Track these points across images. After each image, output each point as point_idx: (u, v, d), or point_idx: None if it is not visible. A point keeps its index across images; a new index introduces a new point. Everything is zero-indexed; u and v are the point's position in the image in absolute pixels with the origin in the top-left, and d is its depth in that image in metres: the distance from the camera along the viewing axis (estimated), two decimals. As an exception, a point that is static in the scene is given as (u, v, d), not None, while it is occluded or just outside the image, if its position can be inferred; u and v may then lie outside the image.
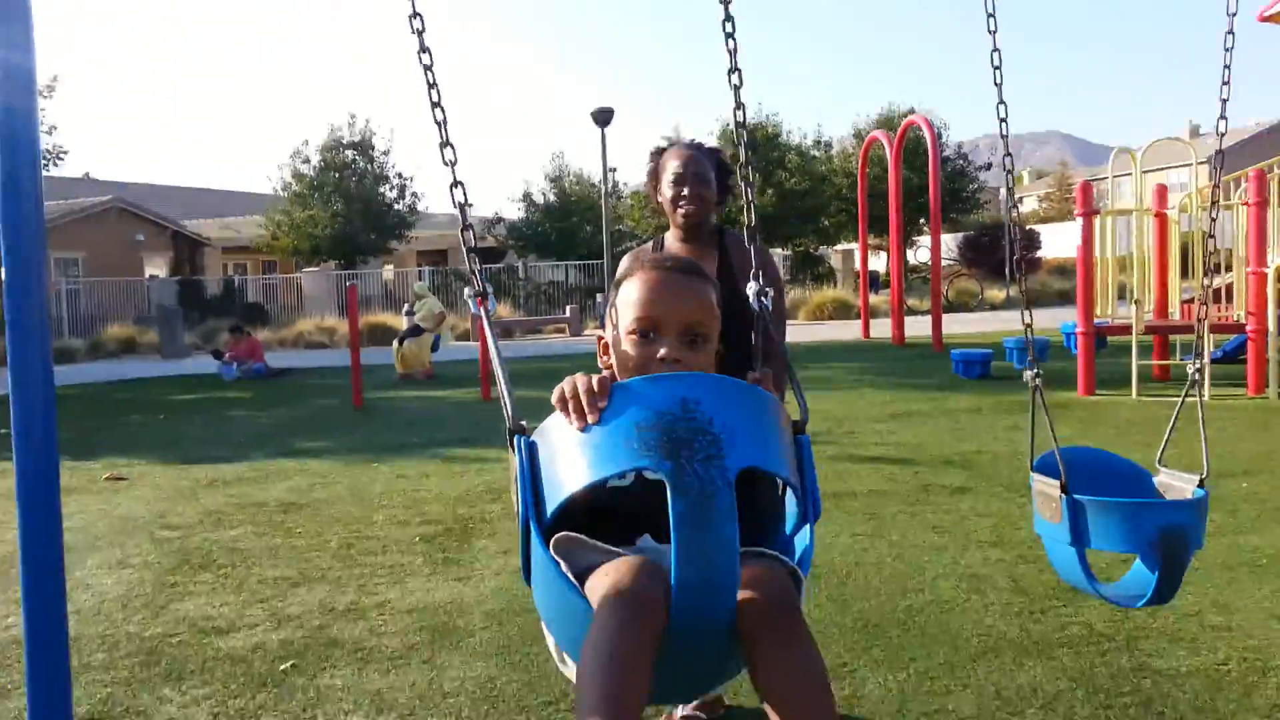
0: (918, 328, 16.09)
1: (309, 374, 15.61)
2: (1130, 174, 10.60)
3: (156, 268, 32.12)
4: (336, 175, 29.44)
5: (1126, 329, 9.41)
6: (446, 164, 1.85)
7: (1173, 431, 2.57)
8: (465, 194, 1.85)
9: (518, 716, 3.14)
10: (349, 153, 29.76)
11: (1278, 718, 2.92)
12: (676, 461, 1.27)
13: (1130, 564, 2.47)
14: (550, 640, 1.57)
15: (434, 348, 14.45)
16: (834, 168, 31.29)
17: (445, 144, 1.86)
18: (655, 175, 3.06)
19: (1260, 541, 4.63)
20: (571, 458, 1.36)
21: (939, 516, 5.30)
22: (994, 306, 25.12)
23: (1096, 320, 9.68)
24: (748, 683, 3.34)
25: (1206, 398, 8.55)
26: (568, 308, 24.11)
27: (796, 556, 1.54)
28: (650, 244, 3.09)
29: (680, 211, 2.95)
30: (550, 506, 1.37)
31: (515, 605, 4.15)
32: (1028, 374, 2.47)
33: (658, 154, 3.09)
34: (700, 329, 1.63)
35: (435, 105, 1.85)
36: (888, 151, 16.45)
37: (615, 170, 31.52)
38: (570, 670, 1.45)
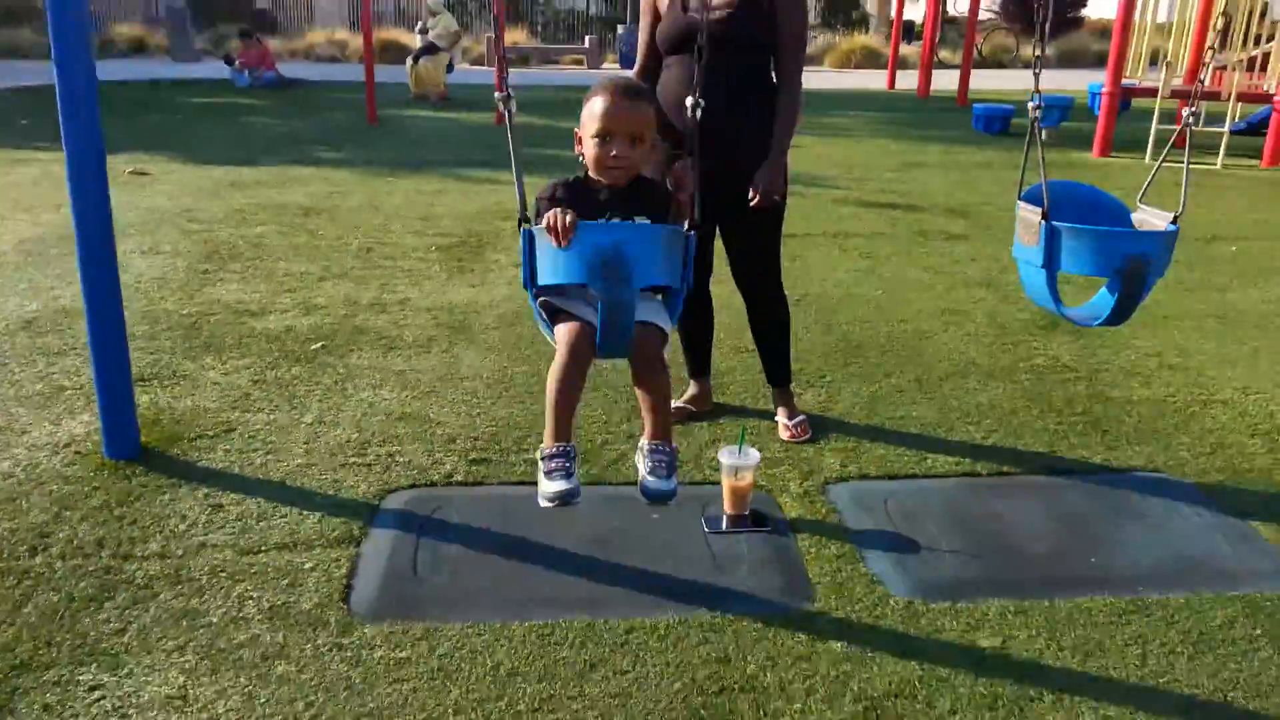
0: (947, 82, 15.65)
1: (321, 87, 15.36)
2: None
3: (158, -35, 30.57)
4: None
5: (1152, 92, 9.25)
6: None
7: (1156, 174, 2.70)
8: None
9: (525, 399, 3.50)
10: None
11: (1208, 440, 3.27)
12: (605, 281, 1.99)
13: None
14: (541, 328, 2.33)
15: (448, 69, 14.13)
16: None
17: None
18: None
19: (1234, 298, 4.88)
20: (550, 263, 2.07)
21: (932, 259, 5.53)
22: (1028, 64, 24.20)
23: (1124, 81, 9.48)
24: (734, 387, 3.64)
25: (1220, 165, 8.59)
26: (586, 39, 23.18)
27: (680, 298, 2.21)
28: None
29: None
30: (540, 281, 2.09)
31: (525, 311, 4.45)
32: (1030, 106, 2.58)
33: None
34: (638, 134, 2.20)
35: None
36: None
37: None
38: (549, 336, 2.28)
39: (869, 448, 3.16)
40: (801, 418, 3.27)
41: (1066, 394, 3.62)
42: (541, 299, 2.23)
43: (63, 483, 2.84)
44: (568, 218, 2.00)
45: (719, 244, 3.20)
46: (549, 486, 2.13)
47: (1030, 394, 3.62)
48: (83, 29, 2.76)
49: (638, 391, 2.24)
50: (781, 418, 3.29)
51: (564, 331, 2.18)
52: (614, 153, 2.17)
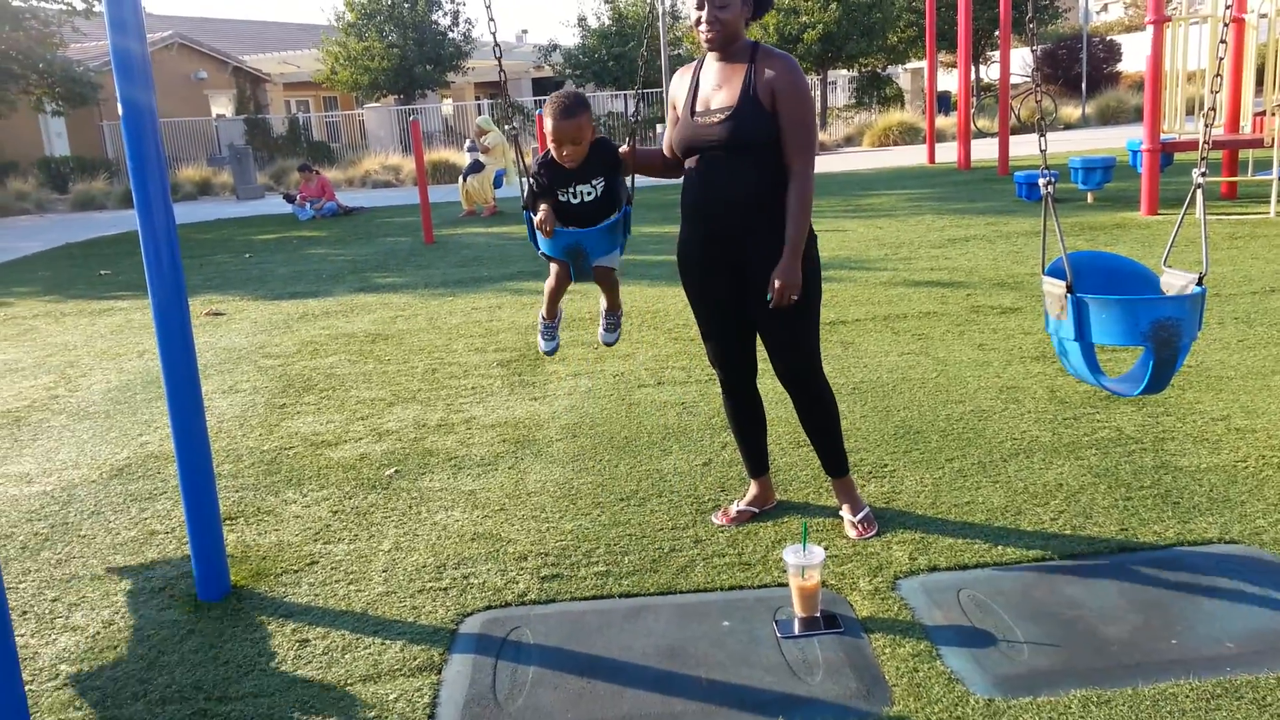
0: (987, 151, 15.77)
1: (378, 213, 16.00)
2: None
3: (220, 106, 32.40)
4: (389, 2, 28.98)
5: (1192, 145, 9.22)
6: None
7: (1177, 233, 2.75)
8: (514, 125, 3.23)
9: (593, 509, 3.58)
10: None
11: (1282, 507, 3.21)
12: (575, 262, 3.17)
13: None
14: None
15: (497, 184, 14.64)
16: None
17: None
18: None
19: (1299, 353, 4.80)
20: (541, 239, 3.14)
21: (985, 335, 5.55)
22: (1068, 126, 24.23)
23: (1163, 136, 9.48)
24: (795, 483, 3.64)
25: (1273, 213, 8.47)
26: (627, 140, 23.82)
27: (621, 246, 3.25)
28: (695, 62, 3.20)
29: (702, 36, 2.99)
30: (538, 247, 3.19)
31: (586, 421, 4.57)
32: (1041, 182, 2.67)
33: None
34: (576, 138, 3.04)
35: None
36: (958, -41, 15.62)
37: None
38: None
39: (937, 538, 3.16)
40: (865, 511, 3.29)
41: (1134, 467, 3.59)
42: (540, 252, 3.27)
43: (159, 627, 2.97)
44: (548, 226, 3.05)
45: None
46: (541, 344, 3.52)
47: (1096, 470, 3.59)
48: (163, 190, 2.99)
49: (601, 289, 3.39)
50: (846, 514, 3.30)
51: (553, 268, 3.28)
52: (564, 152, 3.06)
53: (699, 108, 3.04)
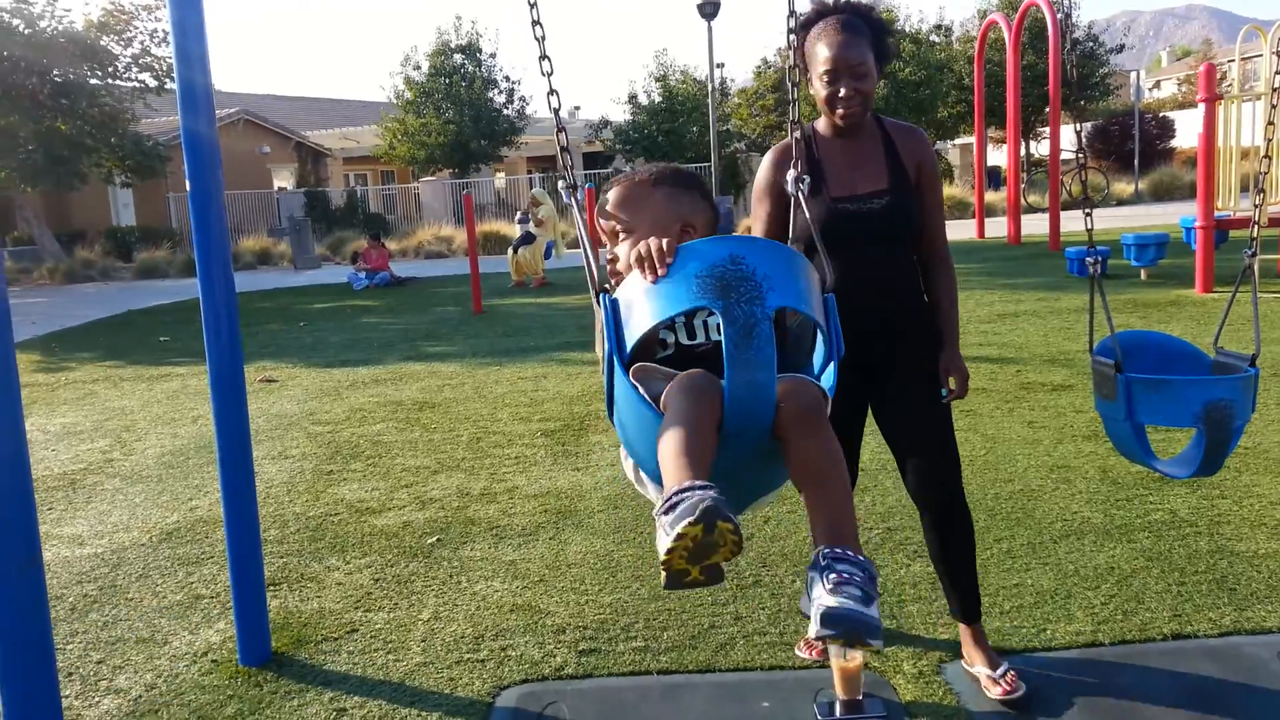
0: (1038, 226, 15.71)
1: (430, 283, 16.30)
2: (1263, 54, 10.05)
3: (282, 180, 33.49)
4: (446, 81, 29.91)
5: (1245, 223, 9.10)
6: (544, 75, 2.11)
7: (1228, 312, 2.73)
8: (559, 101, 2.10)
9: (633, 583, 3.55)
10: (457, 57, 30.14)
11: (1347, 596, 3.09)
12: (727, 300, 1.62)
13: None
14: (628, 465, 1.90)
15: (546, 254, 14.87)
16: (954, 54, 30.06)
17: (544, 56, 2.11)
18: (804, 58, 2.57)
19: (1362, 435, 4.66)
20: (646, 303, 1.70)
21: (1036, 413, 5.47)
22: (1121, 201, 24.08)
23: (1217, 213, 9.38)
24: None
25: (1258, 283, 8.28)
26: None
27: (834, 365, 1.87)
28: (799, 133, 2.28)
29: (839, 115, 2.53)
30: (630, 343, 1.72)
31: (629, 492, 4.56)
32: (1088, 260, 2.66)
33: (804, 29, 2.54)
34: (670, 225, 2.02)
35: (535, 23, 2.09)
36: (1006, 35, 15.82)
37: (722, 66, 30.93)
38: (647, 490, 1.84)
39: (984, 620, 3.08)
40: (1006, 667, 2.67)
41: (1187, 550, 3.49)
42: (635, 369, 1.78)
43: (200, 692, 2.99)
44: (665, 240, 1.72)
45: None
46: (685, 507, 1.45)
47: (1149, 553, 3.50)
48: (225, 260, 3.10)
49: (797, 473, 1.66)
50: (982, 668, 2.70)
51: (678, 380, 1.67)
52: (639, 251, 1.76)
53: (837, 191, 2.57)
